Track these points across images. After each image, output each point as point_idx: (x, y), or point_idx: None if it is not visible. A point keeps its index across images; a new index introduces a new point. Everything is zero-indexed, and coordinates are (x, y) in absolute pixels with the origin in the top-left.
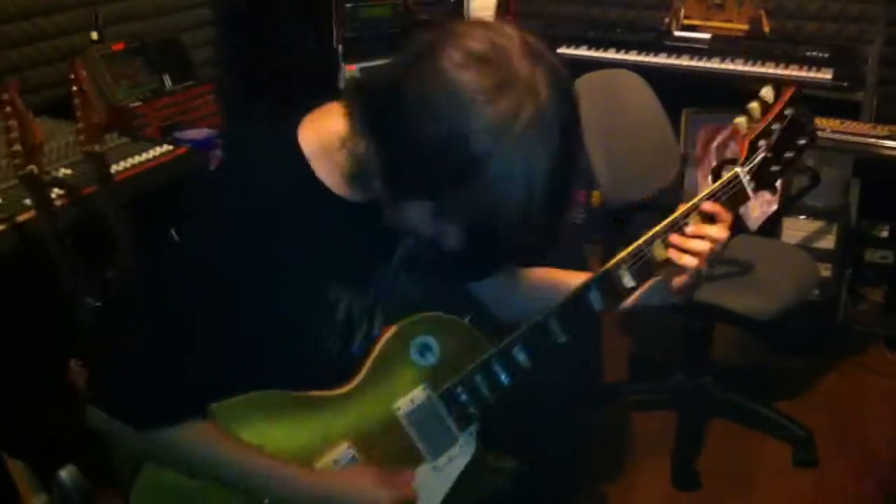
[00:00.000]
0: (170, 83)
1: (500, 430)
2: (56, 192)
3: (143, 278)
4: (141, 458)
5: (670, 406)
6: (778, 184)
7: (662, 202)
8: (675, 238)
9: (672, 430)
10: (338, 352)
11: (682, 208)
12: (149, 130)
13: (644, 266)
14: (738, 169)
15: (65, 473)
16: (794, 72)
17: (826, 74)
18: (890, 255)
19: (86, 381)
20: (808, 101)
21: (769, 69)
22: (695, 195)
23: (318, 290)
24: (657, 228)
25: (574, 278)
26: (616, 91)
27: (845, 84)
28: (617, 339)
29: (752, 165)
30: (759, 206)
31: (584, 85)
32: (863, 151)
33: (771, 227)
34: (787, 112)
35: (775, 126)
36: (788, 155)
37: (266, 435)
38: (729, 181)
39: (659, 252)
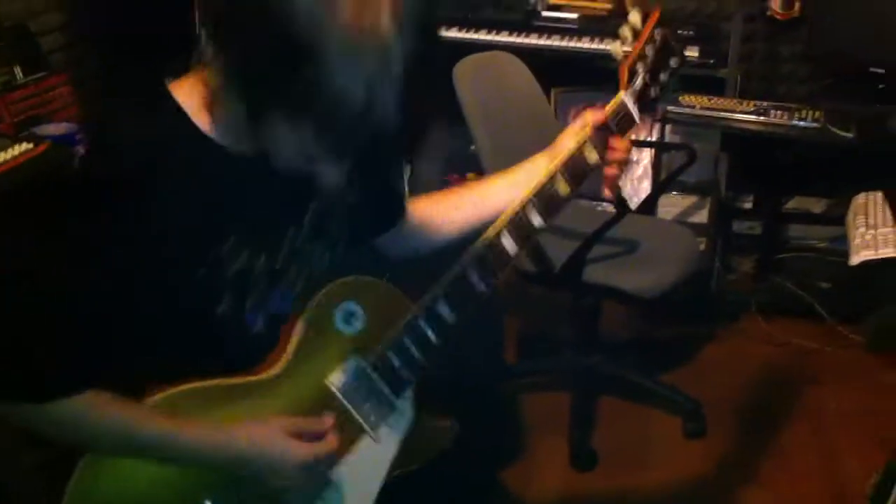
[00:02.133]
0: (21, 75)
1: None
2: None
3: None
4: (37, 433)
5: (562, 386)
6: (647, 161)
7: None
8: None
9: (564, 410)
10: (228, 312)
11: (576, 143)
12: (2, 126)
13: (551, 202)
14: (622, 93)
15: None
16: None
17: (692, 52)
18: (756, 226)
19: None
20: (675, 78)
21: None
22: None
23: (209, 242)
24: (557, 163)
25: (483, 189)
26: (495, 73)
27: (711, 61)
28: (507, 321)
29: (634, 89)
30: (629, 183)
31: (464, 69)
32: (729, 126)
33: (647, 205)
34: (657, 34)
35: (648, 49)
36: (663, 77)
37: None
38: (617, 107)
39: (562, 187)
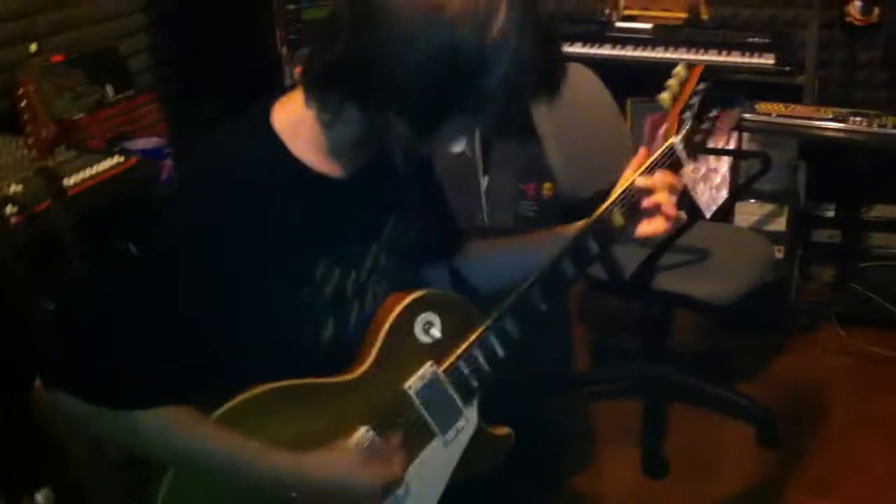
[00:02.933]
0: (112, 93)
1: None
2: (9, 209)
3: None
4: (118, 444)
5: (633, 394)
6: (725, 169)
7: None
8: (647, 202)
9: (637, 418)
10: (335, 331)
11: (630, 179)
12: (94, 142)
13: (606, 234)
14: (673, 139)
15: (40, 497)
16: (736, 58)
17: (768, 60)
18: (837, 235)
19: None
20: (752, 86)
21: (712, 56)
22: None
23: (305, 268)
24: (613, 198)
25: (540, 239)
26: (570, 86)
27: (787, 68)
28: (579, 330)
29: (683, 134)
30: (708, 192)
31: None
32: (807, 134)
33: (723, 213)
34: (700, 87)
35: (693, 100)
36: (706, 125)
37: (280, 429)
38: (666, 151)
39: (616, 219)
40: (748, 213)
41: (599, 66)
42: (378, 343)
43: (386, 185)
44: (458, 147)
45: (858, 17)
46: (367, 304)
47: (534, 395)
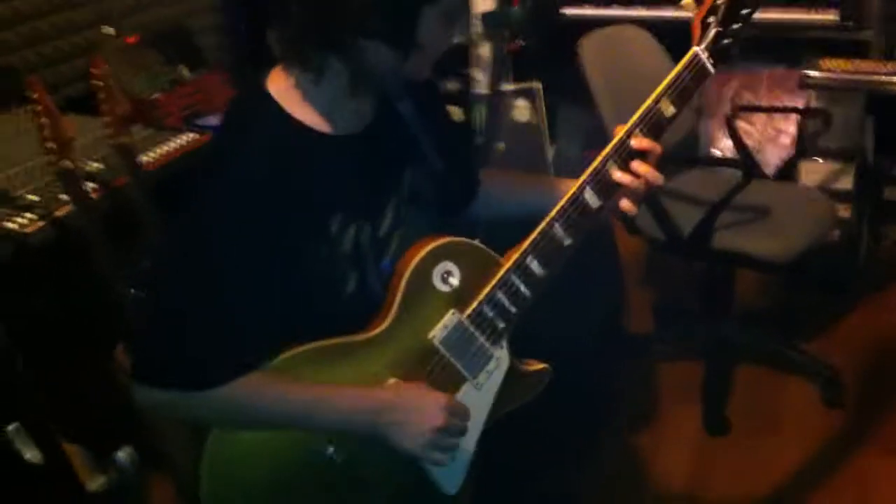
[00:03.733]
0: (186, 72)
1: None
2: (90, 185)
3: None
4: (196, 424)
5: (696, 355)
6: (793, 129)
7: (679, 154)
8: (619, 175)
9: (699, 378)
10: (357, 286)
11: (654, 96)
12: (171, 120)
13: (630, 154)
14: (695, 48)
15: (122, 455)
16: (800, 14)
17: (832, 15)
18: None
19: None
20: (816, 42)
21: (774, 14)
22: (710, 145)
23: (321, 226)
24: (636, 117)
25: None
26: (624, 48)
27: (851, 23)
28: (640, 291)
29: (707, 42)
30: (775, 151)
31: (591, 43)
32: (874, 89)
33: (788, 170)
34: None
35: (720, 1)
36: (736, 26)
37: None
38: (690, 61)
39: (665, 108)
40: (814, 171)
41: (660, 28)
42: (398, 297)
43: (397, 137)
44: (456, 38)
45: None
46: (386, 256)
47: (582, 346)
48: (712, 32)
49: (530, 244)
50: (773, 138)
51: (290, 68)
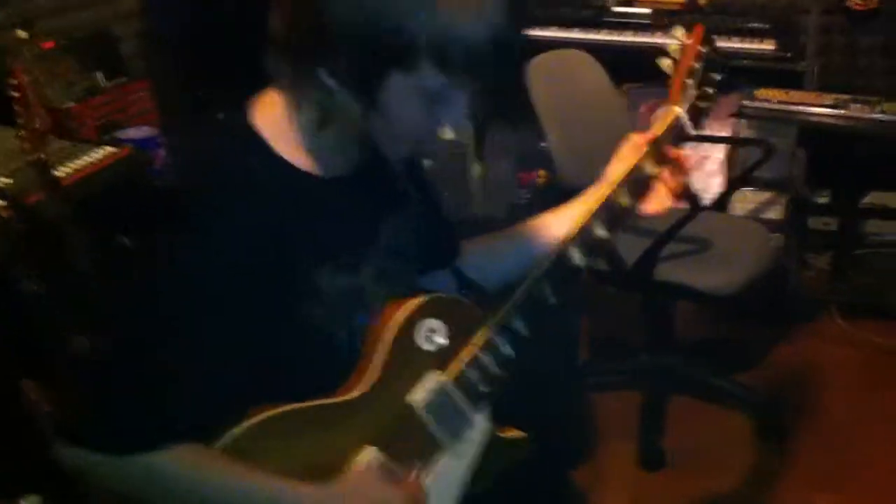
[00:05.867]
0: (103, 80)
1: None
2: None
3: (109, 294)
4: (135, 497)
5: (633, 385)
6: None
7: None
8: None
9: (633, 410)
10: (327, 339)
11: (634, 157)
12: (85, 131)
13: (614, 216)
14: (676, 108)
15: None
16: (736, 44)
17: (769, 45)
18: (833, 223)
19: (45, 403)
20: (751, 72)
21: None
22: None
23: (301, 273)
24: (619, 178)
25: (542, 226)
26: (568, 71)
27: (788, 54)
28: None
29: (687, 103)
30: (701, 179)
31: (538, 67)
32: (807, 121)
33: (720, 201)
34: (703, 49)
35: (697, 64)
36: (710, 90)
37: (288, 456)
38: (673, 122)
39: (623, 199)
40: (745, 200)
41: (596, 51)
42: (379, 356)
43: (381, 188)
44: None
45: (859, 2)
46: (367, 312)
47: (545, 388)
48: (692, 94)
49: (513, 303)
50: (699, 165)
51: (278, 95)
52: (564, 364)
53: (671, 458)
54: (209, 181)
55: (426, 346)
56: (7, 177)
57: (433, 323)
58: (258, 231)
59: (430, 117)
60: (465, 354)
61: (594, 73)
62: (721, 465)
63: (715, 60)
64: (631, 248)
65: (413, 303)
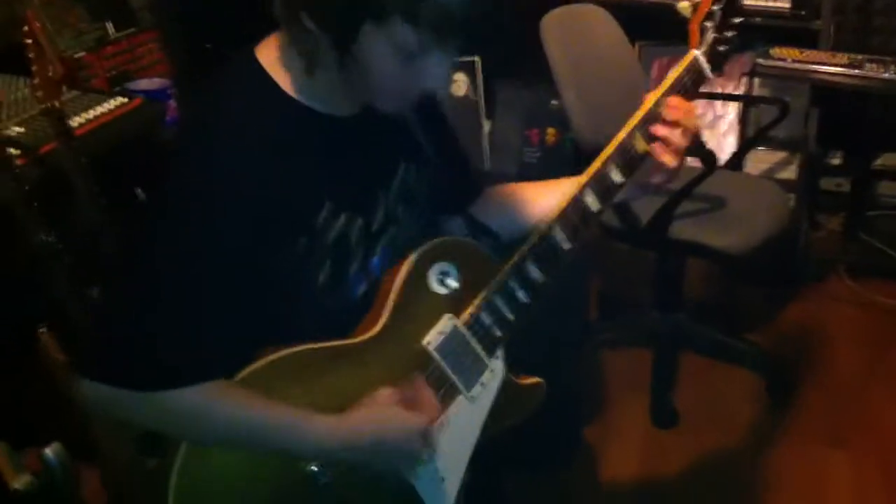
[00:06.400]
0: (113, 31)
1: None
2: (12, 151)
3: (124, 240)
4: (152, 429)
5: (643, 344)
6: (733, 116)
7: None
8: (658, 129)
9: (645, 368)
10: (331, 279)
11: (653, 97)
12: (96, 81)
13: (630, 159)
14: (694, 51)
15: (50, 452)
16: (751, 1)
17: (784, 3)
18: (845, 183)
19: (61, 351)
20: (767, 30)
21: None
22: None
23: (308, 211)
24: (635, 121)
25: (559, 186)
26: (583, 26)
27: (803, 12)
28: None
29: (705, 46)
30: (714, 138)
31: (551, 22)
32: (822, 80)
33: (734, 160)
34: None
35: (716, 6)
36: (730, 34)
37: (303, 396)
38: (689, 65)
39: (639, 144)
40: (759, 160)
41: (610, 7)
42: (392, 298)
43: (392, 129)
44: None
45: None
46: (376, 255)
47: (550, 352)
48: (710, 37)
49: (529, 249)
50: (713, 124)
51: (277, 38)
52: (572, 321)
53: (684, 416)
54: (221, 120)
55: (439, 289)
56: (20, 125)
57: (445, 265)
58: (270, 168)
59: (408, 76)
60: (479, 298)
61: (609, 28)
62: (731, 422)
63: (734, 3)
64: (645, 206)
65: (425, 246)
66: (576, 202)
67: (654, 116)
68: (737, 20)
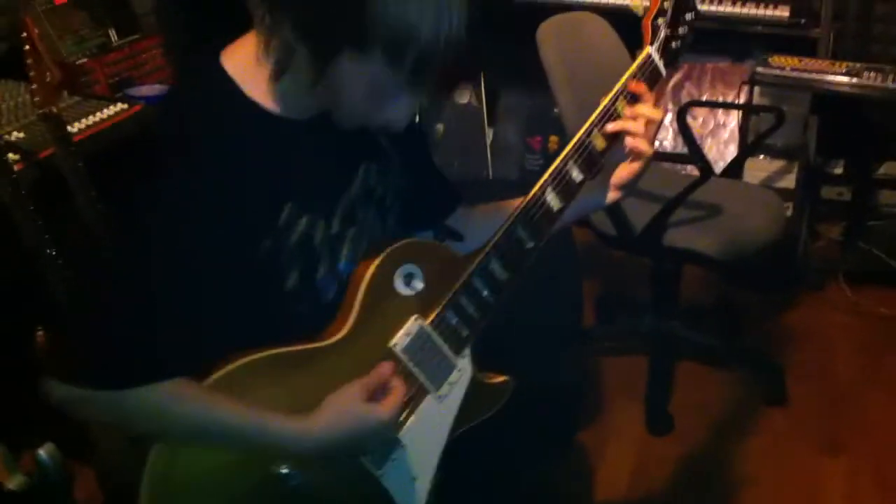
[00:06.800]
0: (116, 37)
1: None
2: (11, 156)
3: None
4: (120, 427)
5: (639, 350)
6: (734, 124)
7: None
8: (611, 125)
9: (641, 374)
10: (300, 282)
11: (609, 96)
12: (98, 87)
13: (589, 157)
14: (648, 48)
15: (44, 452)
16: (751, 10)
17: (783, 12)
18: (846, 192)
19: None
20: (766, 38)
21: (725, 7)
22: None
23: (269, 213)
24: (592, 118)
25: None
26: (579, 34)
27: (802, 21)
28: (585, 283)
29: (658, 43)
30: (716, 147)
31: (550, 29)
32: (821, 89)
33: (733, 168)
34: None
35: (667, 4)
36: (682, 30)
37: (274, 398)
38: (644, 61)
39: (598, 142)
40: (758, 168)
41: (610, 15)
42: (358, 301)
43: (352, 131)
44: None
45: None
46: (341, 257)
47: (546, 349)
48: (662, 34)
49: (492, 247)
50: (714, 133)
51: (255, 42)
52: (566, 327)
53: (679, 422)
54: (182, 125)
55: (404, 291)
56: (20, 130)
57: (411, 267)
58: (229, 171)
59: (373, 108)
60: (445, 298)
61: (606, 35)
62: (728, 429)
63: (685, 1)
64: (640, 213)
65: (390, 249)
66: (537, 200)
67: (610, 114)
68: (688, 16)
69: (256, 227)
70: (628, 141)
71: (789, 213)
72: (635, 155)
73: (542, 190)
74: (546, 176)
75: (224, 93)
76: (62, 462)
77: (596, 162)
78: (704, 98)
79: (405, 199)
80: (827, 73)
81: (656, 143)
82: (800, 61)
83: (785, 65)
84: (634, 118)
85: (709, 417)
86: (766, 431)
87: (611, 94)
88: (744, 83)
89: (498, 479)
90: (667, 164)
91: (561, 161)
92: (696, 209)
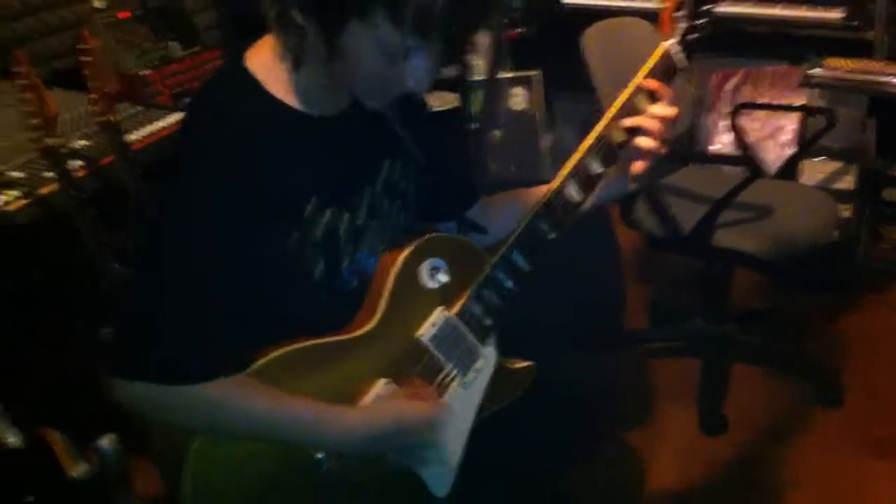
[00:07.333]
0: (178, 50)
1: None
2: (75, 163)
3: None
4: (181, 424)
5: (692, 353)
6: (794, 126)
7: (678, 148)
8: (629, 120)
9: (695, 377)
10: (326, 273)
11: (627, 92)
12: (160, 98)
13: (608, 151)
14: (665, 43)
15: (105, 442)
16: (805, 12)
17: (837, 13)
18: None
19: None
20: (820, 41)
21: (779, 10)
22: (708, 141)
23: (294, 208)
24: (611, 112)
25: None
26: (623, 39)
27: (856, 23)
28: (637, 287)
29: (678, 36)
30: (774, 149)
31: (595, 34)
32: (877, 90)
33: (789, 169)
34: None
35: None
36: (702, 22)
37: (302, 390)
38: (662, 56)
39: (617, 135)
40: (815, 170)
41: (655, 19)
42: (385, 294)
43: (377, 127)
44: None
45: None
46: (365, 249)
47: (576, 349)
48: (682, 27)
49: (514, 239)
50: (773, 135)
51: (274, 39)
52: (608, 329)
53: (732, 424)
54: (211, 126)
55: (430, 284)
56: (83, 138)
57: (436, 261)
58: (258, 169)
59: (390, 76)
60: (469, 290)
61: (650, 40)
62: (782, 432)
63: None
64: (689, 214)
65: (415, 243)
66: (558, 193)
67: (629, 109)
68: (708, 7)
69: (285, 221)
70: (640, 138)
71: (848, 214)
72: (645, 151)
73: (563, 183)
74: (567, 169)
75: (248, 91)
76: (122, 453)
77: (615, 154)
78: (762, 101)
79: (427, 192)
80: (883, 74)
81: (715, 146)
82: (855, 63)
83: (840, 67)
84: (651, 115)
85: (758, 420)
86: (820, 434)
87: (628, 90)
88: (801, 85)
89: (515, 471)
90: (727, 168)
91: (581, 154)
92: (747, 210)
